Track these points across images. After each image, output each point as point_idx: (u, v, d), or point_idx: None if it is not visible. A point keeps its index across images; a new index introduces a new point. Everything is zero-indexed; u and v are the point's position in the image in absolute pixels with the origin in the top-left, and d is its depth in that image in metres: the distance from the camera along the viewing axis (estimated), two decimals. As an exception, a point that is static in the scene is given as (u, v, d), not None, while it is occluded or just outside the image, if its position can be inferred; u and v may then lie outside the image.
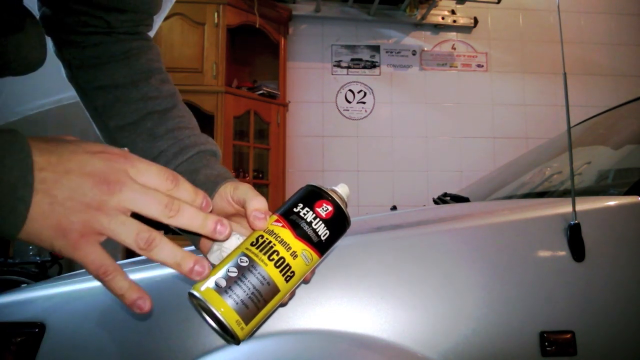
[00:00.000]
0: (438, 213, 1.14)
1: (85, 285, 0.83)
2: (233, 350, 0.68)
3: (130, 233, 0.37)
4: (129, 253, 2.65)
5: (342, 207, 0.49)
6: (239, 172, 3.17)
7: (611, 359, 0.74)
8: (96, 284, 0.82)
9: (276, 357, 0.69)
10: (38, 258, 2.20)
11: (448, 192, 1.63)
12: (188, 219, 0.39)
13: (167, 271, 0.78)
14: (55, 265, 2.21)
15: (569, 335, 0.72)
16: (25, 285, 1.71)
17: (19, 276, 2.03)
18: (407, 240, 0.81)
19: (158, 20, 1.08)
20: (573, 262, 0.75)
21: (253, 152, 3.21)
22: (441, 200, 1.56)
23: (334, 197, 0.49)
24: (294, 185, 3.42)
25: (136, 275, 0.81)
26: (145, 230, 0.38)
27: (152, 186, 0.39)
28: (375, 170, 3.52)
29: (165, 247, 0.39)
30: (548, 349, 0.71)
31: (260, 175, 3.26)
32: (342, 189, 0.50)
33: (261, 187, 3.28)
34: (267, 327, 0.68)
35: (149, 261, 0.91)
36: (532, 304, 0.74)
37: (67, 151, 0.37)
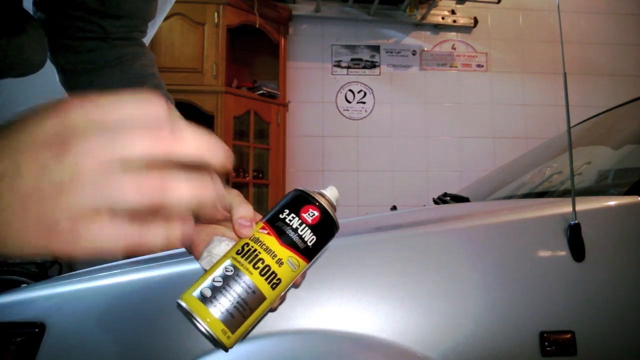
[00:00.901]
0: (438, 213, 1.14)
1: (85, 285, 0.83)
2: (233, 351, 0.68)
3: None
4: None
5: (330, 211, 0.48)
6: (239, 172, 3.17)
7: (611, 359, 0.74)
8: (96, 283, 0.82)
9: (276, 357, 0.69)
10: (38, 258, 2.20)
11: (448, 192, 1.63)
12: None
13: (167, 271, 0.78)
14: (55, 265, 2.21)
15: (569, 335, 0.72)
16: (25, 285, 1.71)
17: (19, 276, 2.03)
18: (407, 240, 0.81)
19: (158, 21, 1.08)
20: (573, 262, 0.75)
21: (253, 152, 3.21)
22: (441, 200, 1.56)
23: (320, 201, 0.48)
24: (294, 185, 3.42)
25: (136, 275, 0.81)
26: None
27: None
28: (375, 170, 3.52)
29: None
30: (548, 349, 0.71)
31: (260, 175, 3.26)
32: (330, 192, 0.50)
33: (261, 187, 3.28)
34: (267, 327, 0.68)
35: (149, 261, 0.91)
36: (532, 304, 0.74)
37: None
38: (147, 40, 1.10)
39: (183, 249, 0.87)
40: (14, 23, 0.52)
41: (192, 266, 0.77)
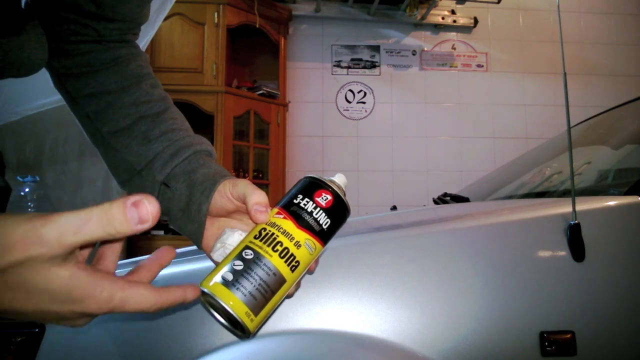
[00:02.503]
0: (438, 213, 1.14)
1: (85, 285, 0.83)
2: (233, 350, 0.68)
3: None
4: (129, 253, 2.65)
5: (341, 195, 0.50)
6: (239, 172, 3.16)
7: (611, 359, 0.74)
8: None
9: (276, 357, 0.69)
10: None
11: (448, 192, 1.63)
12: None
13: (167, 271, 0.78)
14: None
15: (569, 335, 0.72)
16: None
17: (19, 276, 2.02)
18: (407, 240, 0.81)
19: (158, 21, 1.08)
20: (573, 262, 0.75)
21: (253, 152, 3.21)
22: (441, 200, 1.56)
23: (332, 186, 0.49)
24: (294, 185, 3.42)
25: (136, 275, 0.81)
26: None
27: None
28: (375, 170, 3.52)
29: None
30: (548, 349, 0.71)
31: (260, 175, 3.26)
32: (339, 179, 0.52)
33: (261, 187, 3.25)
34: (267, 327, 0.68)
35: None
36: (532, 304, 0.74)
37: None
38: (146, 41, 1.10)
39: (185, 249, 0.87)
40: (14, 22, 0.51)
41: (193, 266, 0.77)
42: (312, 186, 0.50)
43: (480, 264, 0.77)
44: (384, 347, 0.70)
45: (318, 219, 0.48)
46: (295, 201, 0.48)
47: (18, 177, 2.23)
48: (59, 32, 0.59)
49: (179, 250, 0.98)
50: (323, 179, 0.50)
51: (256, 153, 3.25)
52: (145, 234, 2.95)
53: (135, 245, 2.81)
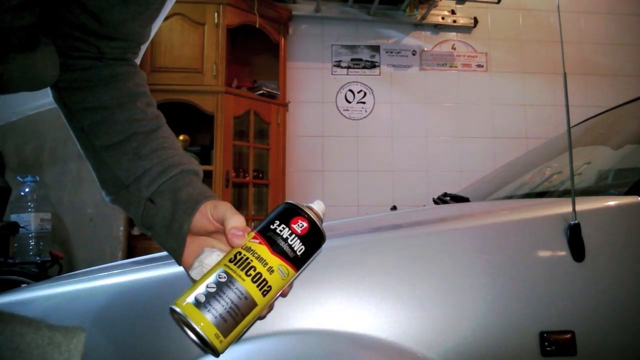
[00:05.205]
0: (438, 213, 1.14)
1: (85, 285, 0.83)
2: (233, 351, 0.68)
3: None
4: (129, 253, 2.64)
5: (317, 223, 0.51)
6: (239, 172, 3.16)
7: (611, 359, 0.74)
8: (96, 284, 0.82)
9: (276, 357, 0.69)
10: (38, 258, 2.20)
11: (448, 192, 1.63)
12: None
13: (167, 271, 0.78)
14: (55, 265, 2.20)
15: (569, 335, 0.72)
16: (25, 285, 1.71)
17: (19, 276, 2.03)
18: (407, 240, 0.81)
19: (157, 21, 1.08)
20: (573, 262, 0.75)
21: (253, 152, 3.21)
22: (441, 200, 1.56)
23: (309, 214, 0.50)
24: (293, 185, 3.42)
25: (136, 275, 0.81)
26: None
27: None
28: (375, 170, 3.52)
29: None
30: (548, 349, 0.71)
31: (260, 175, 3.26)
32: (317, 206, 0.53)
33: (261, 187, 3.28)
34: (267, 327, 0.68)
35: (149, 261, 0.91)
36: (532, 304, 0.74)
37: None
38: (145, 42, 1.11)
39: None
40: (29, 41, 0.53)
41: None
42: (289, 212, 0.51)
43: (480, 264, 0.77)
44: (384, 347, 0.70)
45: (292, 246, 0.49)
46: (271, 227, 0.49)
47: (18, 177, 2.23)
48: (62, 47, 0.60)
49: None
50: (301, 205, 0.51)
51: (256, 153, 3.25)
52: (144, 235, 2.94)
53: (135, 246, 2.81)
